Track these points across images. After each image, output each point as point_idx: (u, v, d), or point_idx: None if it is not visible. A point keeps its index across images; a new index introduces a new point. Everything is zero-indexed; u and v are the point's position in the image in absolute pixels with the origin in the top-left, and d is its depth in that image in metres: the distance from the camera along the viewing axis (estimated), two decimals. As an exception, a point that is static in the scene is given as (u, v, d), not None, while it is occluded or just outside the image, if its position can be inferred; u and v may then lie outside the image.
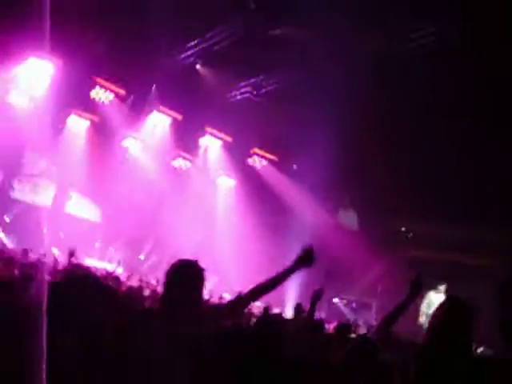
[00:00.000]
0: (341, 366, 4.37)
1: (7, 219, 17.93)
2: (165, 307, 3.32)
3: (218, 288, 19.15)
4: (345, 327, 7.08)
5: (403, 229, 21.46)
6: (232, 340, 4.14)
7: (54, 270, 9.08)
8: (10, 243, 16.37)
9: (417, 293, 4.01)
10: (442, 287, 19.92)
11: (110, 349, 2.90)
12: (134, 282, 13.60)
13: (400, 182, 17.60)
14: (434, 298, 19.13)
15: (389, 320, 3.88)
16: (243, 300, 3.66)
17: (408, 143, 16.28)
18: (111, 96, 18.00)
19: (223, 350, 3.83)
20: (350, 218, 22.21)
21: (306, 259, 3.88)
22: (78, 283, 2.95)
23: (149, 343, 3.02)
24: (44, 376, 2.44)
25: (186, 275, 3.37)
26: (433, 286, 19.64)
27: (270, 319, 6.11)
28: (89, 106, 18.38)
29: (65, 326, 2.67)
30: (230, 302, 3.72)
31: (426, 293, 19.10)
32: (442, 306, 3.62)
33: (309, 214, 19.47)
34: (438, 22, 12.33)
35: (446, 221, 18.06)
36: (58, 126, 18.27)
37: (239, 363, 3.68)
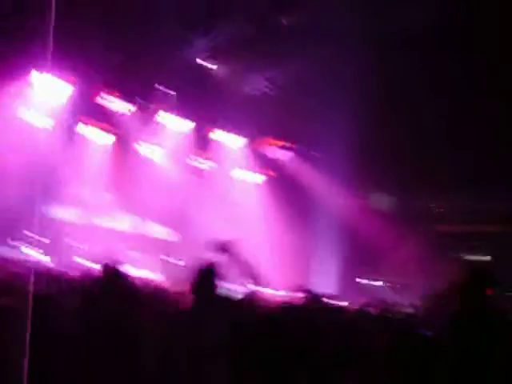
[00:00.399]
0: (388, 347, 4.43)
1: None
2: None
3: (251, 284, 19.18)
4: (388, 309, 7.02)
5: (433, 205, 21.33)
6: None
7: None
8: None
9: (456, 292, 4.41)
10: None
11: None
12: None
13: (426, 161, 17.57)
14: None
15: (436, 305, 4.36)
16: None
17: (430, 121, 16.20)
18: (127, 106, 18.12)
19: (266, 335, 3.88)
20: (379, 200, 22.04)
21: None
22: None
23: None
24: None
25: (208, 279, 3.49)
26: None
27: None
28: (106, 118, 18.53)
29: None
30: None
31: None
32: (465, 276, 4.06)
33: (337, 200, 19.41)
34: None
35: (475, 194, 17.98)
36: (73, 139, 18.41)
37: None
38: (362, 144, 17.36)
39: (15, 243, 16.33)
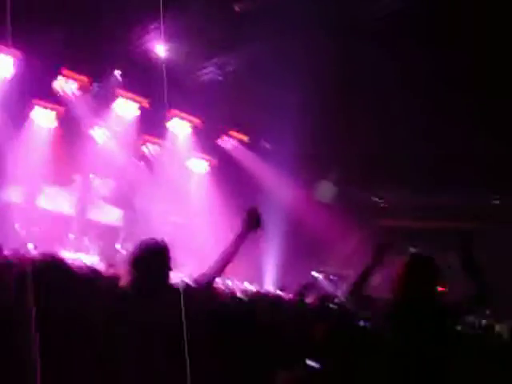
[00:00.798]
0: (325, 337, 4.41)
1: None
2: (136, 288, 3.30)
3: (197, 272, 19.13)
4: (326, 298, 7.09)
5: (377, 199, 21.66)
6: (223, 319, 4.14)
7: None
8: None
9: (379, 259, 4.32)
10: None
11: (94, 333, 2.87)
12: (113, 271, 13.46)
13: (373, 153, 17.72)
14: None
15: (357, 285, 4.22)
16: (210, 276, 3.73)
17: (378, 112, 16.29)
18: (75, 86, 17.77)
19: (214, 329, 3.81)
20: (325, 192, 22.27)
21: (251, 222, 3.97)
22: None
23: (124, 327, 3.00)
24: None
25: (151, 253, 3.38)
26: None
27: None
28: (53, 98, 18.09)
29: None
30: (204, 283, 3.75)
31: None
32: (405, 262, 4.00)
33: (283, 191, 19.46)
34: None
35: (420, 189, 18.29)
36: (21, 119, 18.00)
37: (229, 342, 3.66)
38: (312, 134, 17.40)
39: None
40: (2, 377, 2.59)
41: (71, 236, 19.26)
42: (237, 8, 13.89)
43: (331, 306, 6.52)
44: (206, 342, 3.53)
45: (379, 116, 16.38)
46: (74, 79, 17.64)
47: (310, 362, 3.93)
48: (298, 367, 3.82)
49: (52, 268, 2.91)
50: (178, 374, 2.68)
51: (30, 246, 16.60)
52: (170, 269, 3.43)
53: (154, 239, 3.48)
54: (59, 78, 17.45)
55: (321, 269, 21.19)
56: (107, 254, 18.98)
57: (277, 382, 2.55)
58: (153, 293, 3.28)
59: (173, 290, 3.42)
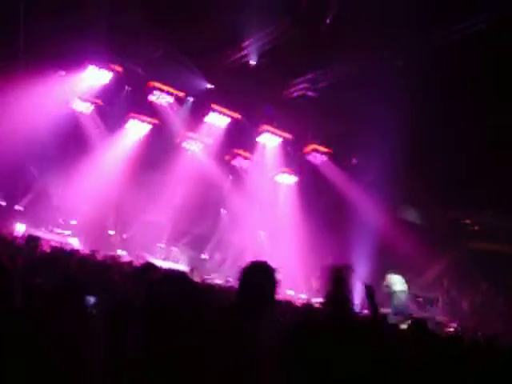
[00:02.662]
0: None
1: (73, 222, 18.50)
2: (240, 305, 3.39)
3: (282, 285, 19.22)
4: (420, 323, 6.76)
5: (468, 221, 21.01)
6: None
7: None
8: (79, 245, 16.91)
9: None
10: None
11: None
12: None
13: (464, 174, 17.25)
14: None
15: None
16: None
17: (468, 134, 15.88)
18: (170, 99, 18.36)
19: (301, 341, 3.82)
20: (411, 213, 21.86)
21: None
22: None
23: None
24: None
25: (260, 277, 3.46)
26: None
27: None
28: (148, 110, 18.81)
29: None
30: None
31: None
32: None
33: (369, 209, 19.22)
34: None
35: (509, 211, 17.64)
36: (118, 130, 18.83)
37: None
38: (401, 154, 17.15)
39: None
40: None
41: (161, 245, 19.81)
42: (322, 28, 13.95)
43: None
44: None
45: (476, 133, 15.95)
46: (170, 93, 18.21)
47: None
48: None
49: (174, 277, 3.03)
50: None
51: (122, 252, 17.29)
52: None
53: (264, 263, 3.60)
54: (155, 91, 18.06)
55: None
56: (195, 263, 19.46)
57: None
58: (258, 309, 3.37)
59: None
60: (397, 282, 17.35)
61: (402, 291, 15.71)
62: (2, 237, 10.23)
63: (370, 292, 5.07)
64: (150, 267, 4.21)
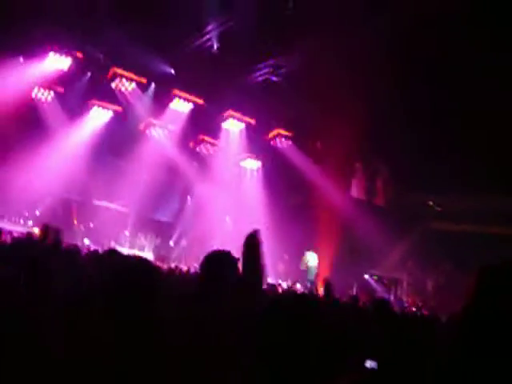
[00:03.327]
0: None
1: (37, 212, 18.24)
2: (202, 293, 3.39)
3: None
4: (382, 303, 6.85)
5: (431, 202, 21.30)
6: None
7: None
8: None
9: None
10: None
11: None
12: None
13: (427, 155, 17.44)
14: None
15: None
16: None
17: (428, 115, 16.04)
18: (132, 85, 18.16)
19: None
20: (377, 195, 22.11)
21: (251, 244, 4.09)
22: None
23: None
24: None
25: (223, 265, 3.45)
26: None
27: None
28: (111, 97, 18.56)
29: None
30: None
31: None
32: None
33: (332, 193, 19.35)
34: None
35: (474, 193, 17.89)
36: (79, 117, 18.58)
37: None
38: (366, 133, 17.24)
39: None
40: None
41: (126, 233, 19.68)
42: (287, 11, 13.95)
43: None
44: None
45: (436, 113, 16.10)
46: (132, 79, 18.01)
47: (369, 363, 3.95)
48: (357, 369, 3.82)
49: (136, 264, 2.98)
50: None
51: (87, 241, 17.11)
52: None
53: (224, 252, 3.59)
54: (117, 78, 17.83)
55: (372, 272, 21.06)
56: (162, 251, 19.40)
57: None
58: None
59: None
60: (310, 259, 19.90)
61: (314, 266, 19.70)
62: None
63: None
64: (111, 253, 4.17)
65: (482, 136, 15.09)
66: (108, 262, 3.76)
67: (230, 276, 3.48)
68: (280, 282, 17.84)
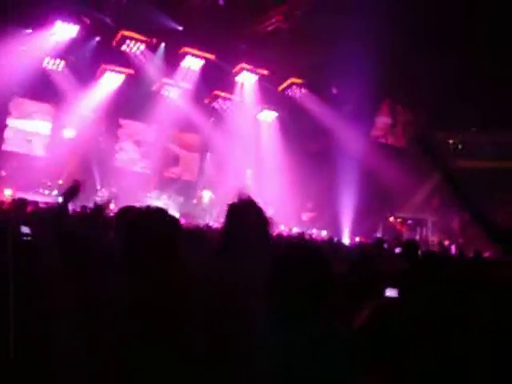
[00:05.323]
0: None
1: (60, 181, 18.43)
2: (228, 246, 3.40)
3: (274, 221, 19.45)
4: (411, 245, 6.85)
5: (451, 141, 21.09)
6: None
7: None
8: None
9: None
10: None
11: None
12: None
13: (444, 95, 17.20)
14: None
15: None
16: None
17: (450, 52, 15.74)
18: (142, 46, 18.02)
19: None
20: (398, 137, 21.90)
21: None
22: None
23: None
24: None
25: (248, 215, 3.41)
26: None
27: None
28: (121, 60, 18.45)
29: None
30: None
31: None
32: None
33: (352, 137, 19.18)
34: None
35: (496, 129, 17.67)
36: (92, 83, 18.55)
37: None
38: (381, 77, 17.01)
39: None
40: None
41: (150, 194, 19.79)
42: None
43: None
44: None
45: (450, 56, 15.83)
46: (141, 40, 17.86)
47: (389, 292, 3.99)
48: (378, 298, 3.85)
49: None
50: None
51: (112, 205, 17.28)
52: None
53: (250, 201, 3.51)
54: (127, 40, 17.69)
55: (397, 214, 21.06)
56: (186, 209, 19.56)
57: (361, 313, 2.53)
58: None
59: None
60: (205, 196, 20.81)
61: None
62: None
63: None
64: (127, 209, 4.16)
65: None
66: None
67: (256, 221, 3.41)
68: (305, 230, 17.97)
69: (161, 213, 2.96)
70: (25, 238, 4.12)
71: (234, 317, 2.86)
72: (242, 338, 2.39)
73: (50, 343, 3.02)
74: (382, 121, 21.74)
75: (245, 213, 3.41)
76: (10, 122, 18.52)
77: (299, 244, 2.48)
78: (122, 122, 20.85)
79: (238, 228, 3.37)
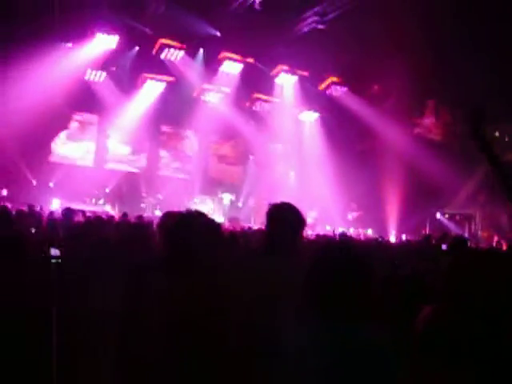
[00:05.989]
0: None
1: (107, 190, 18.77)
2: (268, 247, 3.47)
3: (319, 221, 19.42)
4: (461, 241, 6.73)
5: (497, 133, 20.62)
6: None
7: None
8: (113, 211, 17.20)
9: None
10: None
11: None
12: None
13: (486, 87, 16.86)
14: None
15: None
16: None
17: (487, 44, 15.45)
18: (181, 53, 18.21)
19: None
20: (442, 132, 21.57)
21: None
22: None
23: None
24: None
25: (286, 219, 3.48)
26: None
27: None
28: (161, 68, 18.69)
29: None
30: None
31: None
32: None
33: (395, 134, 18.96)
34: None
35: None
36: (134, 92, 18.85)
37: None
38: (423, 73, 16.80)
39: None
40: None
41: (195, 200, 19.96)
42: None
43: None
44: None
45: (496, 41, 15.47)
46: (180, 47, 18.05)
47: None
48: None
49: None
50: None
51: (158, 212, 17.53)
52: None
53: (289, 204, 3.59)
54: (165, 49, 17.91)
55: (444, 210, 20.70)
56: (231, 213, 19.68)
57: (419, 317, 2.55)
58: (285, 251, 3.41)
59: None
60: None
61: None
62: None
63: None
64: (169, 214, 4.22)
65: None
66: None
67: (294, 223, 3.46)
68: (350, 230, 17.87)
69: (200, 216, 3.02)
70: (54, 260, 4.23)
71: (270, 314, 2.92)
72: (275, 336, 2.43)
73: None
74: (427, 121, 21.50)
75: (281, 214, 3.47)
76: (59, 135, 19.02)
77: (334, 244, 2.52)
78: (165, 128, 21.12)
79: (276, 229, 3.44)
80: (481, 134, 3.65)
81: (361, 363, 2.16)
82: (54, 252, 4.32)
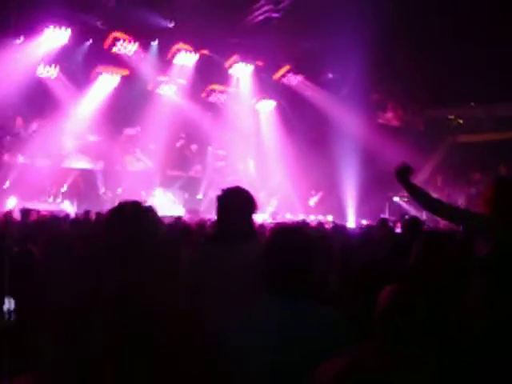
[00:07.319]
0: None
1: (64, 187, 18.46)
2: (220, 234, 3.47)
3: (280, 210, 19.53)
4: (416, 221, 6.81)
5: (451, 116, 21.02)
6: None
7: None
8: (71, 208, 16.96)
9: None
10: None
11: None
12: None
13: (441, 72, 17.15)
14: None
15: None
16: None
17: (444, 29, 15.72)
18: (134, 46, 17.98)
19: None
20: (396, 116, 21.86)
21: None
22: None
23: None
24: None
25: (235, 203, 3.48)
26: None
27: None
28: (115, 62, 18.42)
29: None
30: None
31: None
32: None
33: (351, 120, 19.14)
34: None
35: (491, 101, 17.61)
36: (88, 87, 18.53)
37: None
38: (376, 59, 16.96)
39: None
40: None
41: (155, 193, 19.79)
42: None
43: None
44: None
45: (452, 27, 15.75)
46: (133, 40, 17.82)
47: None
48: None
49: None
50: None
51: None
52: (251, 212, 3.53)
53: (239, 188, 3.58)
54: (118, 41, 17.65)
55: (402, 193, 20.98)
56: (191, 205, 19.60)
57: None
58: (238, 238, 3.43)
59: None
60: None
61: None
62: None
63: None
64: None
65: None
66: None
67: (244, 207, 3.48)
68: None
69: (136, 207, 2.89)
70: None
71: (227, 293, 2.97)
72: (237, 315, 2.48)
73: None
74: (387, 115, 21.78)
75: (230, 199, 3.49)
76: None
77: (283, 228, 2.60)
78: (120, 123, 20.83)
79: (224, 214, 3.45)
80: (409, 183, 4.13)
81: (314, 336, 2.28)
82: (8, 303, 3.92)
